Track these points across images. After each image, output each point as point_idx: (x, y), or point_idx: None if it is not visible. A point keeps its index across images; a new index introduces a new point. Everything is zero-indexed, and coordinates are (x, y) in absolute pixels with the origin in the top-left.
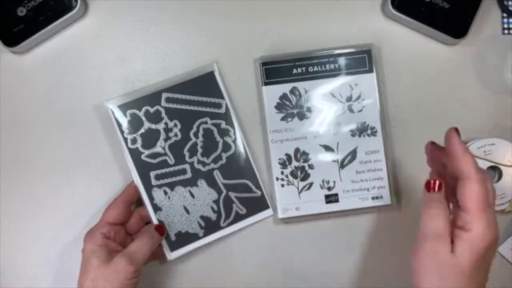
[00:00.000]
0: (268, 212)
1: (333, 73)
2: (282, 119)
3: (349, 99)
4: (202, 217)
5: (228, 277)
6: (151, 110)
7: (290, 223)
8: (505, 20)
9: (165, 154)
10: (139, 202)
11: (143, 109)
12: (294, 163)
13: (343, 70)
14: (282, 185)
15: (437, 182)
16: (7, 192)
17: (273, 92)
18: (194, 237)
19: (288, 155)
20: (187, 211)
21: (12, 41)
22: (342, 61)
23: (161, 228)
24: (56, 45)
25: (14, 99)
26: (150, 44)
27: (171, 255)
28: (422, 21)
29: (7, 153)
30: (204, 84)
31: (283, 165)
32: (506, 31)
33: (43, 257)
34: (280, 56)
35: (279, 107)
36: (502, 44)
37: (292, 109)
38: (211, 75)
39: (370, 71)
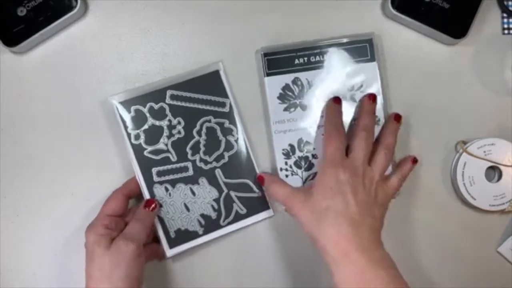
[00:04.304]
0: (268, 213)
1: (335, 63)
2: (285, 109)
3: (351, 88)
4: (202, 215)
5: (227, 276)
6: (156, 106)
7: (291, 221)
8: (505, 20)
9: (168, 151)
10: (141, 199)
11: (148, 105)
12: (298, 153)
13: (345, 60)
14: (286, 175)
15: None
16: (7, 192)
17: (276, 83)
18: (193, 235)
19: (291, 146)
20: (187, 209)
21: (12, 41)
22: (343, 50)
23: (149, 202)
24: (56, 45)
25: (14, 99)
26: (150, 44)
27: (170, 252)
28: (422, 21)
29: (7, 153)
30: (209, 83)
31: (287, 155)
32: (506, 31)
33: (43, 256)
34: (281, 46)
35: (282, 97)
36: (502, 44)
37: (295, 100)
38: (216, 74)
39: (372, 59)
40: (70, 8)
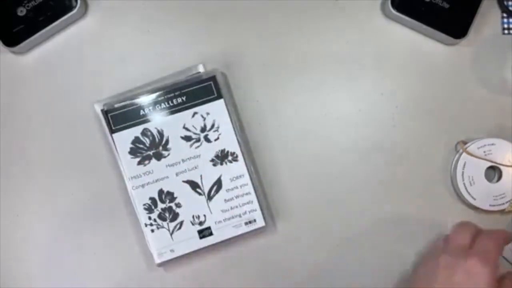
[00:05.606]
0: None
1: (183, 107)
2: (139, 163)
3: (203, 129)
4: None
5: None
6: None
7: (168, 267)
8: (505, 20)
9: None
10: None
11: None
12: (160, 205)
13: (192, 102)
14: (152, 230)
15: None
16: (7, 192)
17: (124, 138)
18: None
19: (152, 199)
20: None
21: (12, 41)
22: (188, 92)
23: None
24: (56, 45)
25: (14, 99)
26: (150, 44)
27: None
28: (422, 21)
29: (7, 153)
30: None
31: (149, 209)
32: (506, 31)
33: (43, 257)
34: (121, 100)
35: (133, 152)
36: (502, 44)
37: (148, 151)
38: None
39: (219, 97)
40: (70, 8)
